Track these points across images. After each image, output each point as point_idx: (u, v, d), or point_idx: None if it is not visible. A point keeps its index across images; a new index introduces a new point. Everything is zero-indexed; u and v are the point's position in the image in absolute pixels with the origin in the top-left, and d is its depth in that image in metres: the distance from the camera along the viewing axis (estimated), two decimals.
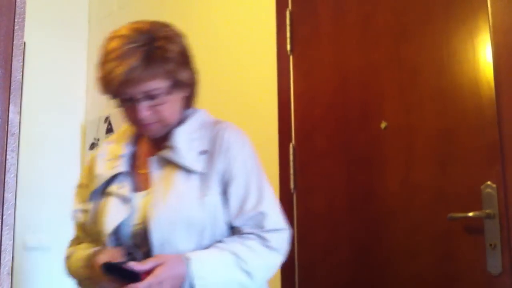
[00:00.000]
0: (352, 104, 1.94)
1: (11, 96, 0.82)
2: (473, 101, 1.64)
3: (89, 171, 1.48)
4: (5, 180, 0.83)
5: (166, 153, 1.35)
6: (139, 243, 1.30)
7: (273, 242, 1.32)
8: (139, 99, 1.31)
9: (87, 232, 1.43)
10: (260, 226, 1.33)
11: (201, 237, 1.29)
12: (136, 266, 1.19)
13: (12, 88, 0.83)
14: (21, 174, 2.73)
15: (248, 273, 1.28)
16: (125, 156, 1.43)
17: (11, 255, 0.89)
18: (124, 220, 1.31)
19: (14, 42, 0.84)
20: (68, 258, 1.49)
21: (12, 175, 0.82)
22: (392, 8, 1.87)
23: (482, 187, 1.58)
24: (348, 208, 1.91)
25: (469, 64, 1.66)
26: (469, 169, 1.62)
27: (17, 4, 0.88)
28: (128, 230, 1.32)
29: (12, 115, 0.83)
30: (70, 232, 3.26)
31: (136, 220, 1.32)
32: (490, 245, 1.54)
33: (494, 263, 1.53)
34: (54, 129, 3.04)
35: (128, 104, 1.33)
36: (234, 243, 1.30)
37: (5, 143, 0.83)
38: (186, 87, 1.39)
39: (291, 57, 2.16)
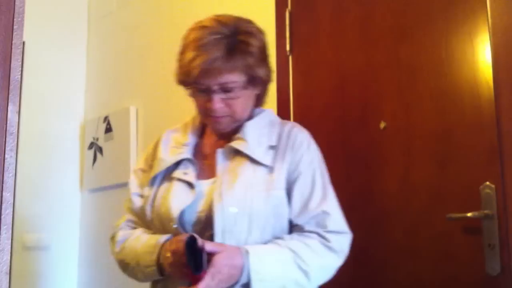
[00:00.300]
0: (351, 104, 1.94)
1: (9, 96, 0.82)
2: (472, 101, 1.64)
3: (151, 156, 1.49)
4: (4, 180, 0.83)
5: (236, 145, 1.36)
6: (201, 230, 1.30)
7: (334, 243, 1.31)
8: (214, 90, 1.32)
9: (144, 216, 1.41)
10: (323, 226, 1.32)
11: (263, 230, 1.29)
12: (209, 246, 1.19)
13: (11, 87, 0.83)
14: (20, 173, 2.73)
15: (305, 272, 1.26)
16: (189, 145, 1.44)
17: (10, 254, 0.89)
18: (188, 206, 1.31)
19: (13, 42, 0.84)
20: (119, 241, 1.45)
21: (11, 174, 0.82)
22: (391, 9, 1.88)
23: (480, 187, 1.58)
24: (346, 208, 1.89)
25: (468, 64, 1.66)
26: (468, 170, 1.62)
27: (16, 3, 0.88)
28: (191, 216, 1.32)
29: (10, 114, 0.83)
30: (68, 231, 3.24)
31: (200, 207, 1.32)
32: (489, 245, 1.55)
33: (493, 264, 1.53)
34: (53, 129, 3.04)
35: (202, 94, 1.35)
36: (294, 241, 1.29)
37: (3, 142, 0.83)
38: (261, 85, 1.41)
39: (290, 57, 2.15)
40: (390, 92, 1.84)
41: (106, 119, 2.97)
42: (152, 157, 1.47)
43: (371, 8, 1.93)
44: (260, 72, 1.36)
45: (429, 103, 1.74)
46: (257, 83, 1.39)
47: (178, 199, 1.32)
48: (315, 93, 2.07)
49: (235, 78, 1.32)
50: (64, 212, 3.02)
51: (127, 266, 1.41)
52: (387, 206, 1.80)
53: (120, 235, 1.45)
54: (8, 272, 0.89)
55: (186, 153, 1.41)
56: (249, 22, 1.41)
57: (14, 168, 0.83)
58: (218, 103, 1.33)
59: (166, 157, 1.42)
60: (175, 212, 1.30)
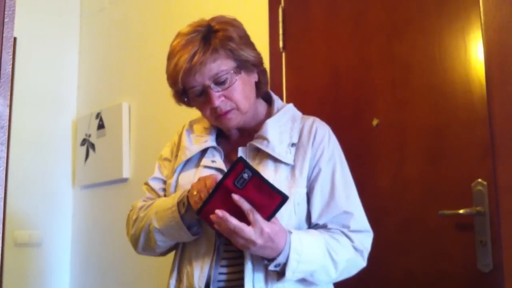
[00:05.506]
0: (344, 101, 1.95)
1: (0, 89, 0.82)
2: (465, 98, 1.64)
3: (176, 146, 1.49)
4: None
5: (257, 143, 1.35)
6: None
7: (357, 243, 1.32)
8: (209, 86, 1.32)
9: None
10: (346, 226, 1.33)
11: (284, 226, 1.27)
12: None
13: (1, 81, 0.82)
14: (12, 169, 2.72)
15: (335, 262, 1.27)
16: (213, 134, 1.44)
17: (1, 251, 0.88)
18: None
19: (4, 35, 0.84)
20: (138, 207, 1.43)
21: (1, 168, 0.82)
22: (384, 5, 1.88)
23: (472, 184, 1.59)
24: None
25: (461, 61, 1.67)
26: (460, 166, 1.63)
27: None
28: None
29: (1, 108, 0.82)
30: (60, 228, 3.21)
31: None
32: (480, 242, 1.55)
33: (484, 261, 1.54)
34: (46, 125, 3.03)
35: (201, 98, 1.35)
36: (324, 233, 1.30)
37: None
38: (253, 68, 1.40)
39: (283, 54, 2.15)
40: (383, 89, 1.84)
41: (98, 115, 2.96)
42: (178, 147, 1.48)
43: (364, 4, 1.93)
44: (246, 54, 1.35)
45: (421, 100, 1.74)
46: (248, 67, 1.38)
47: None
48: (308, 89, 2.07)
49: (222, 66, 1.32)
50: (56, 208, 3.01)
51: (148, 232, 1.37)
52: (379, 202, 1.80)
53: (139, 205, 1.44)
54: (0, 269, 0.88)
55: (211, 141, 1.42)
56: (223, 16, 1.40)
57: (5, 162, 0.83)
58: (217, 98, 1.32)
59: (191, 146, 1.43)
60: None
